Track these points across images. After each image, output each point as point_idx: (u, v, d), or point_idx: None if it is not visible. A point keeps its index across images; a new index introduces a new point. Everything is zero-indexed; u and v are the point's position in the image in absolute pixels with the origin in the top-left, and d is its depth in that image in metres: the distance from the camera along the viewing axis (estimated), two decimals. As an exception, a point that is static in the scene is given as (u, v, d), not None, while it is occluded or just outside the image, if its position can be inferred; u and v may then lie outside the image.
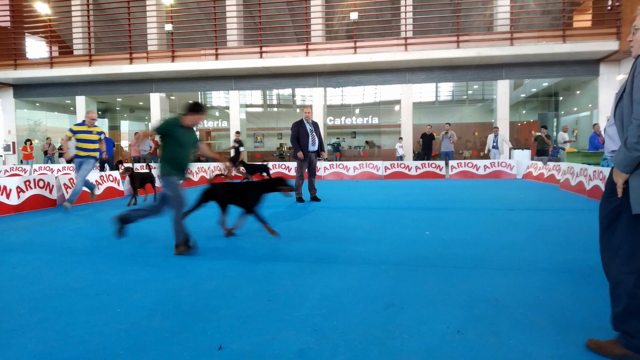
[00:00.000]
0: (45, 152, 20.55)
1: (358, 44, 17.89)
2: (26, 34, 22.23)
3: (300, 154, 9.16)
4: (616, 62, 17.25)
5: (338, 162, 17.78)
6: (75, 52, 20.96)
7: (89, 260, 4.64)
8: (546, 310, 3.06)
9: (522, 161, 16.06)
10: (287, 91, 25.21)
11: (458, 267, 4.20)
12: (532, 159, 16.38)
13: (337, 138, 24.78)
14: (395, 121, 22.62)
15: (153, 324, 2.90)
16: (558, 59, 17.35)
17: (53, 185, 9.32)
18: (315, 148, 9.45)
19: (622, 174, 2.32)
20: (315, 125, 9.51)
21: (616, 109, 2.44)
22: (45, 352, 2.52)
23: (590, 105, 19.09)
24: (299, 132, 9.24)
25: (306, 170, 9.50)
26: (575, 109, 21.44)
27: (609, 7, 17.96)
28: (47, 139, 21.09)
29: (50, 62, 20.04)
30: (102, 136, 9.57)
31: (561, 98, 22.51)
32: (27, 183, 8.75)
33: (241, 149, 11.65)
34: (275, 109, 27.22)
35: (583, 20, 19.51)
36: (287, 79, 19.86)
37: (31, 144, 20.51)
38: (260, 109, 27.07)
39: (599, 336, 2.57)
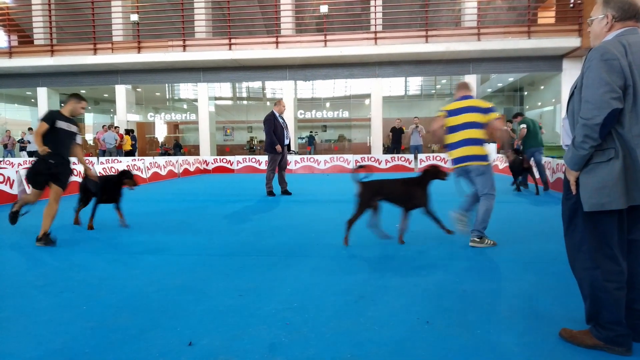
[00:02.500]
0: (5, 145, 19.81)
1: (328, 37, 17.86)
2: (-18, 22, 21.29)
3: (278, 147, 9.12)
4: (578, 59, 17.75)
5: (309, 156, 17.77)
6: (35, 42, 20.18)
7: (52, 257, 4.50)
8: (512, 300, 3.14)
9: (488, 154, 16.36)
10: (257, 84, 25.01)
11: (426, 258, 4.27)
12: (498, 152, 16.73)
13: (311, 132, 24.75)
14: (365, 115, 22.76)
15: (120, 322, 2.83)
16: (523, 55, 17.76)
17: (13, 180, 8.98)
18: (288, 142, 9.44)
19: (572, 172, 2.37)
20: (283, 119, 9.49)
21: (568, 104, 2.49)
22: (6, 352, 2.43)
23: (553, 100, 19.63)
24: (275, 126, 9.20)
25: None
26: (539, 103, 22.02)
27: (571, 5, 18.47)
28: (7, 131, 20.34)
29: (9, 52, 19.26)
30: None
31: (526, 93, 23.08)
32: (-14, 178, 8.41)
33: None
34: (245, 102, 26.96)
35: (547, 17, 20.01)
36: (257, 72, 19.67)
37: (-11, 136, 19.76)
38: (229, 102, 26.76)
39: (562, 324, 2.66)
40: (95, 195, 6.07)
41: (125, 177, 6.11)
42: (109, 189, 6.05)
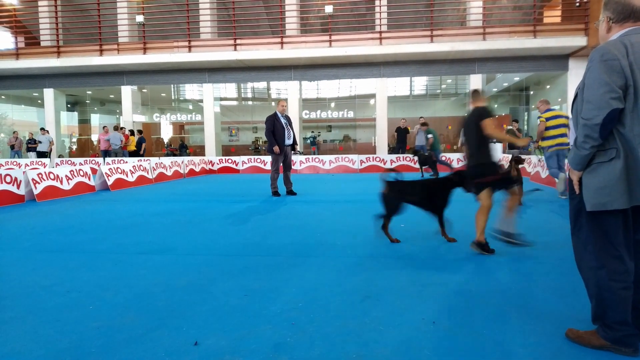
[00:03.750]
0: (12, 146, 19.93)
1: (333, 37, 17.85)
2: (-10, 24, 21.45)
3: (276, 149, 9.10)
4: (585, 58, 17.64)
5: (314, 156, 17.77)
6: (42, 44, 20.30)
7: (59, 257, 4.52)
8: (517, 300, 3.13)
9: (494, 154, 16.31)
10: (262, 84, 25.02)
11: (432, 258, 4.26)
12: (504, 152, 16.68)
13: (312, 132, 24.74)
14: (370, 115, 22.71)
15: (126, 321, 2.85)
16: (529, 54, 17.66)
17: (21, 181, 9.05)
18: (290, 142, 9.41)
19: (575, 172, 2.37)
20: (288, 118, 9.47)
21: (573, 105, 2.48)
22: (14, 351, 2.45)
23: (559, 100, 19.52)
24: (275, 126, 9.17)
25: (281, 164, 9.46)
26: (545, 103, 21.87)
27: (577, 4, 18.36)
28: (14, 132, 20.46)
29: (16, 54, 19.39)
30: None
31: (532, 92, 22.94)
32: (-7, 178, 8.47)
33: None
34: (250, 103, 26.98)
35: (553, 16, 19.90)
36: (262, 72, 19.70)
37: (-4, 138, 19.88)
38: (234, 102, 26.79)
39: (569, 324, 2.65)
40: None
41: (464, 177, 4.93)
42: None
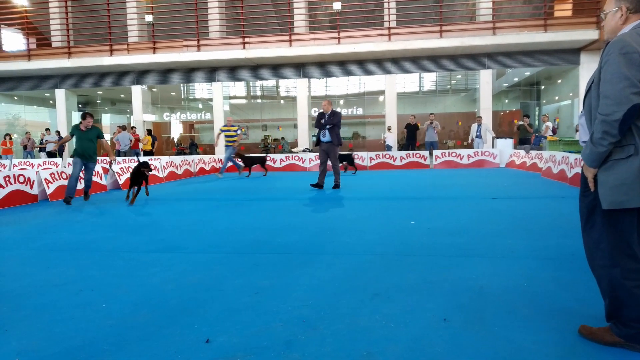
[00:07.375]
0: (25, 147, 20.16)
1: (342, 34, 17.82)
2: (2, 26, 21.70)
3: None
4: (596, 51, 17.46)
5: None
6: (53, 44, 20.53)
7: (71, 256, 4.57)
8: (529, 297, 3.10)
9: (505, 150, 16.23)
10: (271, 82, 25.03)
11: (443, 255, 4.24)
12: (515, 147, 16.56)
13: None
14: (379, 112, 22.66)
15: (138, 319, 2.87)
16: (539, 48, 17.51)
17: (34, 181, 9.16)
18: (324, 139, 9.99)
19: (590, 169, 2.32)
20: (329, 116, 9.96)
21: (585, 99, 2.43)
22: (28, 349, 2.49)
23: (571, 94, 19.32)
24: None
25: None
26: (556, 97, 21.68)
27: (588, -4, 18.15)
28: (27, 133, 20.70)
29: (28, 55, 19.62)
30: None
31: (543, 87, 22.73)
32: (7, 178, 8.56)
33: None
34: (259, 101, 27.04)
35: (564, 9, 19.69)
36: (271, 70, 19.74)
37: (10, 138, 20.09)
38: (244, 101, 26.86)
39: (582, 321, 2.62)
40: None
41: None
42: None
